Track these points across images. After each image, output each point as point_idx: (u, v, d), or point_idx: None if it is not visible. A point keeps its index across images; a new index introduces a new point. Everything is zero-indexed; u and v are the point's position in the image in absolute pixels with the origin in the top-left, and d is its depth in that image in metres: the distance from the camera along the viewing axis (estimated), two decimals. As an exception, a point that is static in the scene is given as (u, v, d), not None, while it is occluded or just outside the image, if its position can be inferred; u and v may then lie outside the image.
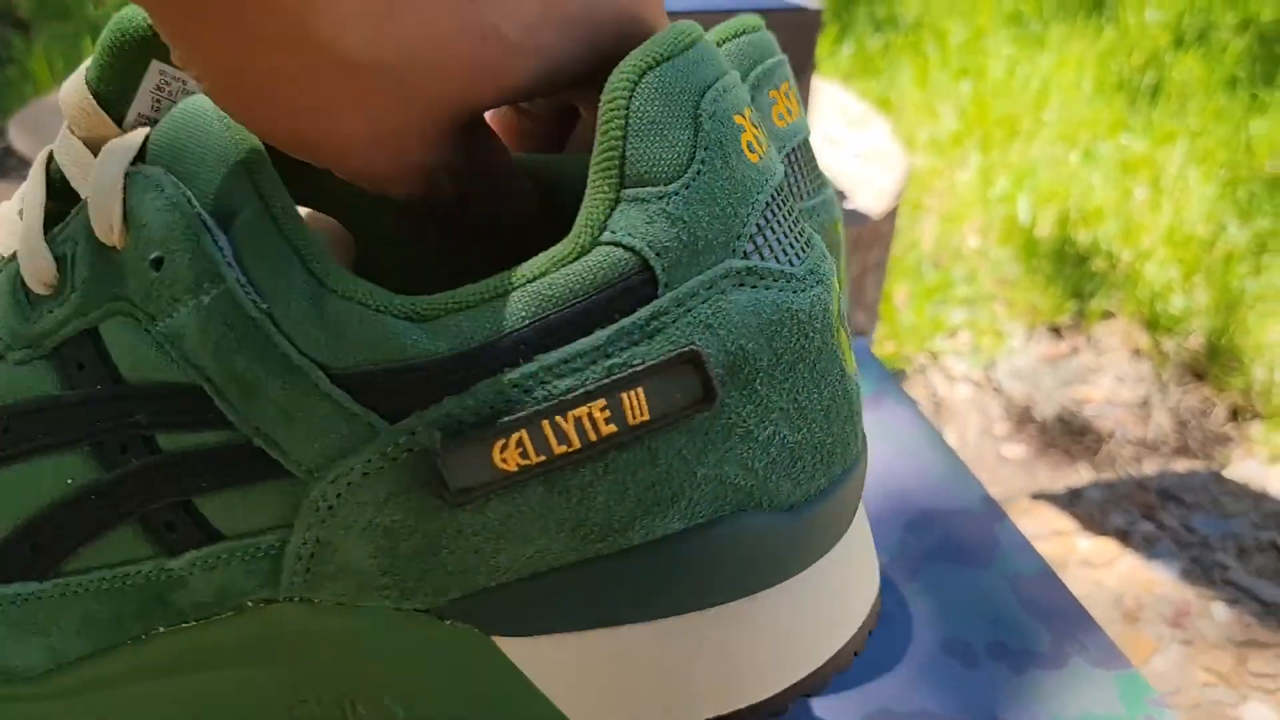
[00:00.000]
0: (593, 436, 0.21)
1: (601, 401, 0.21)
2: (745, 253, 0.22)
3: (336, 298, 0.22)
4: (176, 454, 0.23)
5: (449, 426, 0.21)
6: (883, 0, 2.14)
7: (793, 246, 0.23)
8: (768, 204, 0.22)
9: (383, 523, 0.22)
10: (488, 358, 0.21)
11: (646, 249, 0.21)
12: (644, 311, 0.21)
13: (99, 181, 0.24)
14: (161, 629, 0.24)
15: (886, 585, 0.31)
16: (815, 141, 0.94)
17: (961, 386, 1.23)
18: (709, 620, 0.23)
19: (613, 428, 0.21)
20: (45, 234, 0.25)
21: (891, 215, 0.89)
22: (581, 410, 0.21)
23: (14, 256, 0.26)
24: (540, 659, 0.23)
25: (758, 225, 0.22)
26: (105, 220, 0.24)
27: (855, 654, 0.25)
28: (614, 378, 0.21)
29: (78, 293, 0.24)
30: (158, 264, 0.23)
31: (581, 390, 0.21)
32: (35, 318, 0.25)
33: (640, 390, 0.21)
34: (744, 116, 0.23)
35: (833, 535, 0.24)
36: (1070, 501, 1.00)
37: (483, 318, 0.21)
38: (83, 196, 0.25)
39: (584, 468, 0.21)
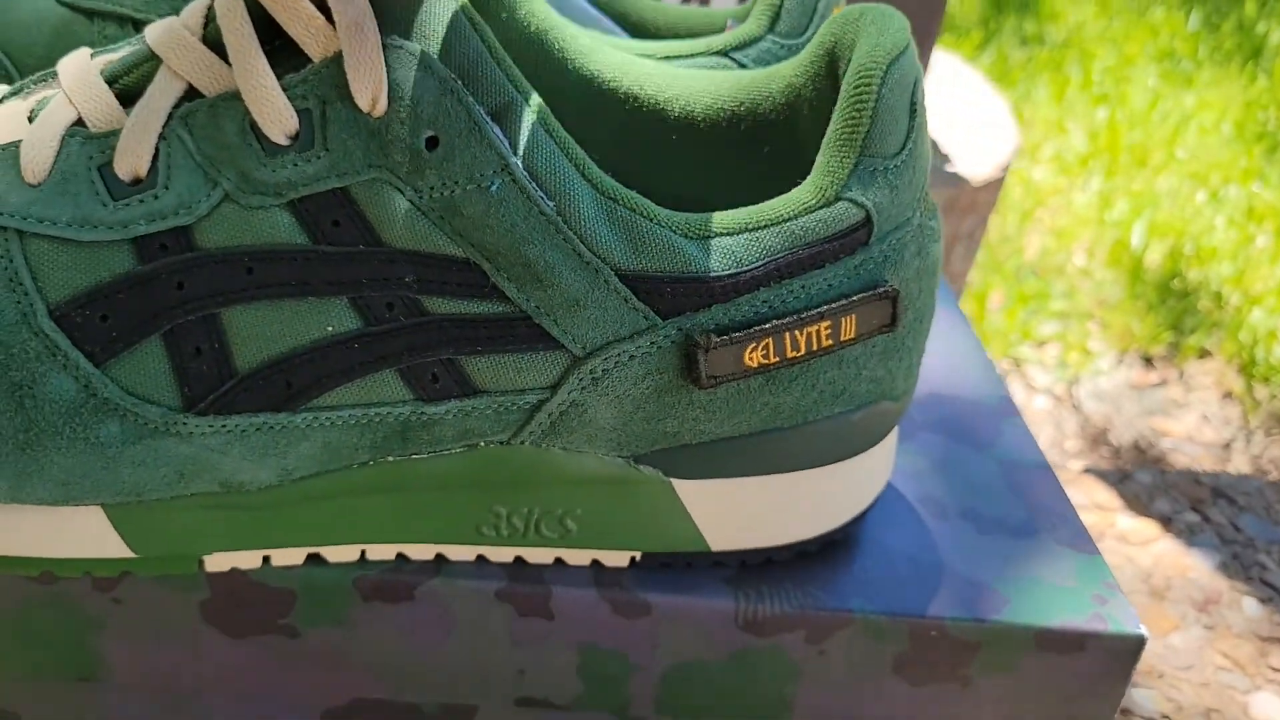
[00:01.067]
0: (814, 347, 0.28)
1: (828, 322, 0.27)
2: (919, 212, 0.29)
3: (620, 207, 0.26)
4: (449, 318, 0.26)
5: (713, 329, 0.27)
6: (1034, 16, 2.04)
7: (931, 206, 0.30)
8: (927, 174, 0.29)
9: (633, 394, 0.27)
10: (749, 277, 0.27)
11: (872, 207, 0.27)
12: (860, 255, 0.28)
13: (357, 48, 0.26)
14: (391, 459, 0.28)
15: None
16: (932, 110, 0.91)
17: (1040, 398, 1.22)
18: (826, 472, 0.31)
19: (829, 342, 0.28)
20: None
21: (993, 187, 0.85)
22: (813, 328, 0.27)
23: (233, 95, 0.27)
24: (700, 496, 0.30)
25: (925, 190, 0.29)
26: (368, 89, 0.26)
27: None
28: (838, 304, 0.27)
29: (332, 153, 0.26)
30: (432, 144, 0.26)
31: (815, 312, 0.27)
32: (275, 166, 0.26)
33: (854, 315, 0.28)
34: (925, 99, 0.29)
35: (901, 416, 0.32)
36: (1118, 480, 0.99)
37: (747, 244, 0.27)
38: (311, 54, 0.26)
39: (796, 367, 0.28)
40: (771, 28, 0.34)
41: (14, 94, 0.29)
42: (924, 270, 0.29)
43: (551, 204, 0.26)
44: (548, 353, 0.27)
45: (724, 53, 0.34)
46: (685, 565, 0.31)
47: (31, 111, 0.28)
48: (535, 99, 0.27)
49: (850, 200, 0.27)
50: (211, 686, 0.31)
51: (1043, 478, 0.37)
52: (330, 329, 0.26)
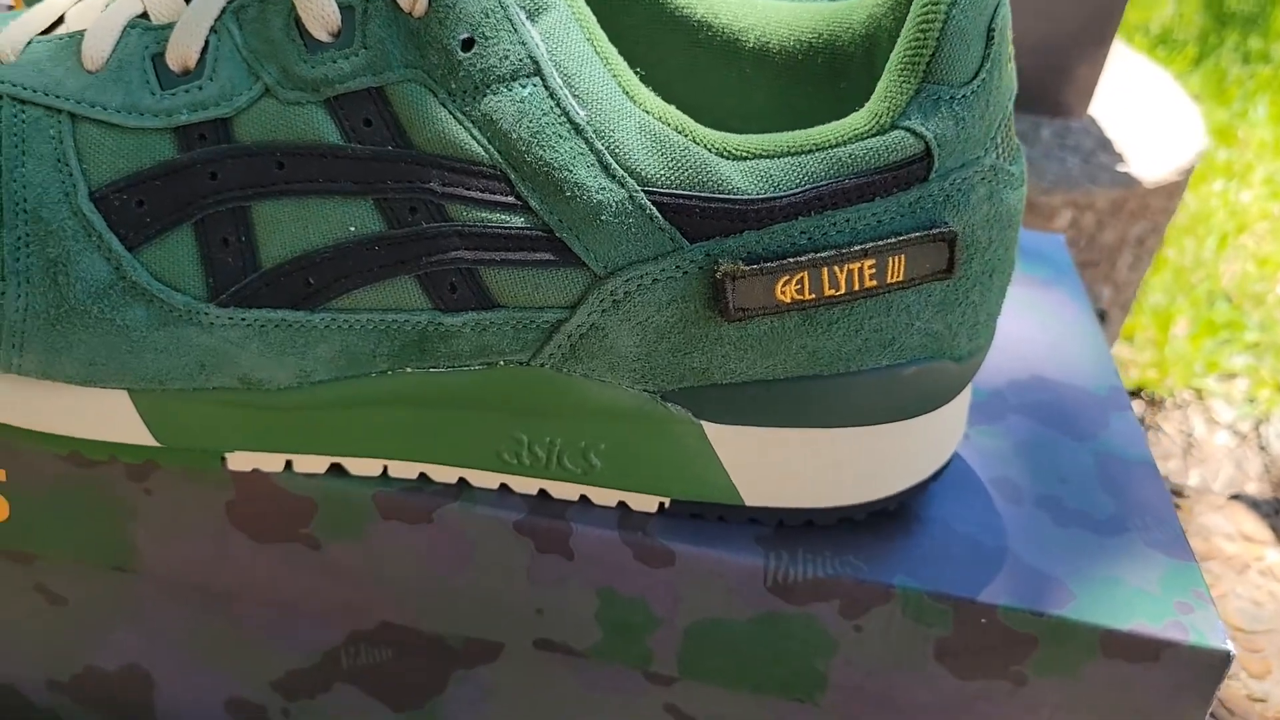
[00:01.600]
0: (856, 286, 0.25)
1: (872, 260, 0.25)
2: (992, 151, 0.26)
3: (653, 119, 0.25)
4: (472, 226, 0.25)
5: (743, 256, 0.25)
6: (1261, 33, 1.97)
7: (1014, 149, 0.27)
8: (1009, 111, 0.27)
9: (657, 321, 0.26)
10: (787, 204, 0.25)
11: (932, 140, 0.25)
12: (915, 191, 0.25)
13: (402, -56, 0.25)
14: (410, 370, 0.27)
15: (968, 423, 0.34)
16: (1108, 106, 0.86)
17: (1222, 434, 1.14)
18: (873, 433, 0.28)
19: (873, 282, 0.26)
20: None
21: (1169, 192, 0.78)
22: (855, 265, 0.25)
23: (282, -9, 0.26)
24: (733, 443, 0.28)
25: (1001, 128, 0.26)
26: (409, -13, 0.25)
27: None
28: (886, 241, 0.25)
29: (370, 51, 0.26)
30: (467, 45, 0.25)
31: (859, 247, 0.25)
32: (315, 63, 0.26)
33: (903, 256, 0.25)
34: (1010, 30, 0.26)
35: (967, 382, 0.30)
36: (1272, 512, 0.91)
37: (789, 168, 0.25)
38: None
39: (836, 307, 0.26)
40: (868, -38, 0.32)
41: (98, -10, 0.30)
42: (996, 218, 0.27)
43: (583, 112, 0.25)
44: (568, 270, 0.26)
45: (815, -14, 0.32)
46: (718, 518, 0.30)
47: (106, 4, 0.29)
48: (581, 6, 0.26)
49: (908, 129, 0.25)
50: (241, 592, 0.32)
51: (1144, 475, 0.34)
52: (353, 229, 0.26)
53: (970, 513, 0.31)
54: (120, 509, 0.30)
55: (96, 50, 0.27)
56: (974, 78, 0.25)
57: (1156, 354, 1.30)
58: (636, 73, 0.31)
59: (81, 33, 0.28)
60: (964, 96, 0.25)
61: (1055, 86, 0.79)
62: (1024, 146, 0.77)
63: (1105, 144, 0.79)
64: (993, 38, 0.25)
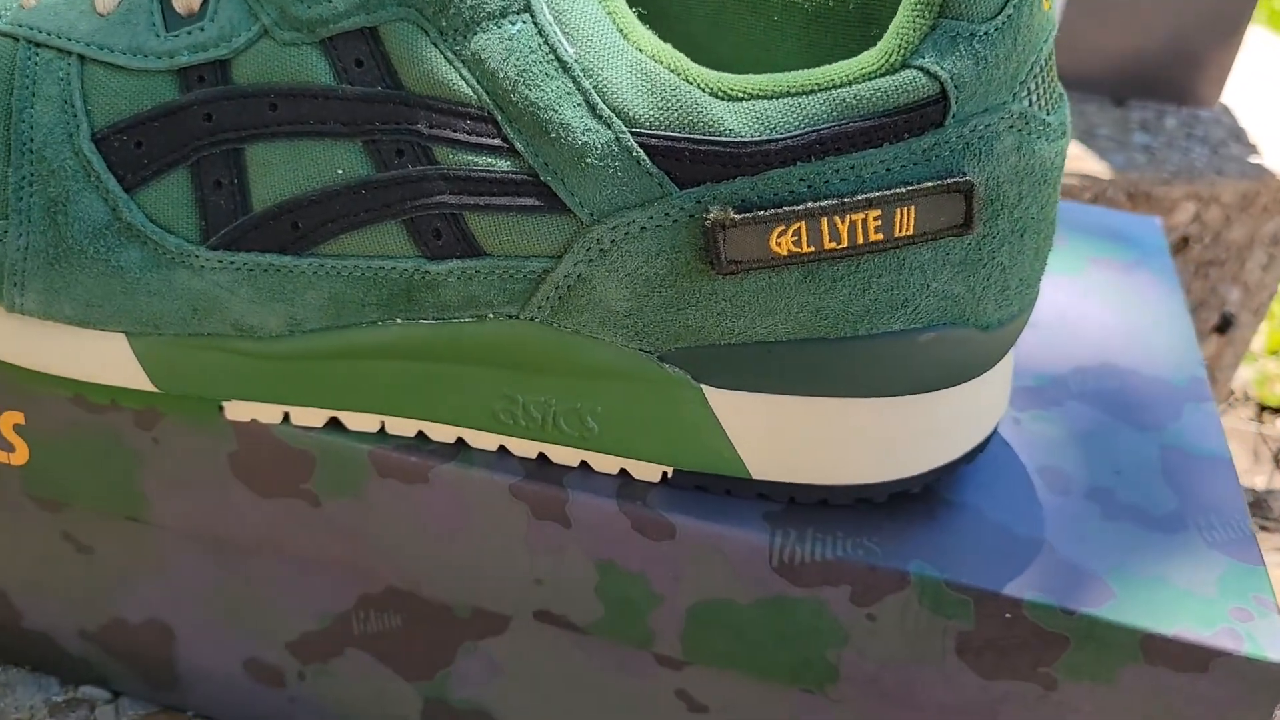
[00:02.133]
0: (860, 240, 0.23)
1: (878, 211, 0.23)
2: (1022, 97, 0.24)
3: (646, 58, 0.24)
4: (457, 170, 0.24)
5: (736, 204, 0.23)
6: None
7: (1052, 96, 0.25)
8: (1046, 54, 0.24)
9: (646, 273, 0.24)
10: (784, 148, 0.23)
11: (949, 80, 0.23)
12: (930, 137, 0.23)
13: (398, -122, 0.24)
14: (400, 321, 0.26)
15: (1017, 406, 0.32)
16: (1253, 96, 0.80)
17: None
18: (889, 406, 0.26)
19: (880, 236, 0.23)
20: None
21: None
22: (858, 216, 0.23)
23: (285, -70, 0.26)
24: (737, 409, 0.26)
25: (1034, 73, 0.24)
26: (403, -79, 0.24)
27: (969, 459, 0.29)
28: (893, 191, 0.23)
29: (363, -12, 0.25)
30: (459, -20, 0.24)
31: (863, 197, 0.23)
32: (311, 3, 0.25)
33: (912, 207, 0.23)
34: (1046, -35, 0.24)
35: (1000, 356, 0.27)
36: None
37: (787, 110, 0.23)
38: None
39: (840, 263, 0.24)
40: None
41: (126, -60, 0.30)
42: (1027, 171, 0.24)
43: (572, 50, 0.24)
44: (553, 216, 0.24)
45: (856, -68, 0.30)
46: (724, 492, 0.28)
47: (128, -48, 0.29)
48: None
49: (921, 69, 0.23)
50: (249, 546, 0.31)
51: (1216, 471, 0.31)
52: (340, 172, 0.25)
53: (1007, 500, 0.29)
54: (131, 457, 0.30)
55: (109, -6, 0.27)
56: (999, 13, 0.23)
57: (1292, 361, 1.22)
58: (636, 11, 0.29)
59: (97, -23, 0.28)
60: (986, 34, 0.23)
61: (1184, 74, 0.74)
62: (1148, 136, 0.72)
63: (1238, 134, 0.74)
64: (1021, -31, 0.23)
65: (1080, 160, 0.66)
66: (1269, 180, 0.67)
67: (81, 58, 0.27)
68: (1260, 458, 1.12)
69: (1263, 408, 1.20)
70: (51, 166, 0.26)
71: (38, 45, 0.27)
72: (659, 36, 0.30)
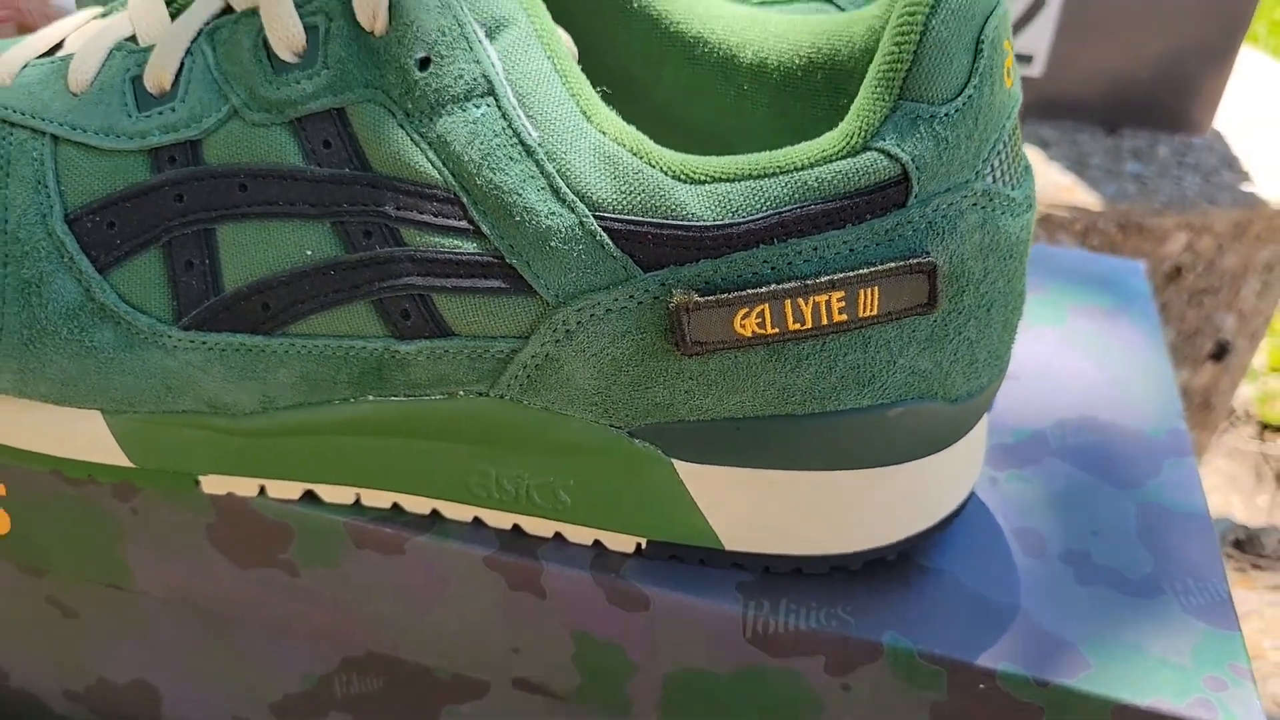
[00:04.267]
0: (824, 320, 0.24)
1: (841, 293, 0.23)
2: (985, 175, 0.24)
3: (609, 140, 0.24)
4: (424, 251, 0.25)
5: (700, 286, 0.23)
6: None
7: (1016, 170, 0.25)
8: (1009, 129, 0.24)
9: (612, 353, 0.24)
10: (746, 231, 0.23)
11: (910, 162, 0.23)
12: (892, 218, 0.23)
13: (365, -38, 0.25)
14: (371, 398, 0.27)
15: (995, 465, 0.32)
16: (1237, 116, 0.80)
17: None
18: (859, 478, 0.26)
19: (844, 316, 0.24)
20: (293, -2, 0.26)
21: None
22: (822, 297, 0.23)
23: (255, 11, 0.26)
24: (708, 483, 0.26)
25: (998, 150, 0.24)
26: (368, 6, 0.25)
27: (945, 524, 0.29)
28: (856, 273, 0.23)
29: (330, 71, 0.25)
30: (424, 64, 0.24)
31: (826, 278, 0.23)
32: (280, 84, 0.25)
33: (876, 288, 0.23)
34: (1009, 41, 0.24)
35: (971, 425, 0.27)
36: None
37: (748, 193, 0.23)
38: (333, -33, 0.25)
39: (806, 342, 0.24)
40: (885, -29, 0.30)
41: (104, 15, 0.31)
42: (992, 247, 0.24)
43: (536, 133, 0.24)
44: (520, 298, 0.24)
45: (827, -2, 0.30)
46: (698, 562, 0.28)
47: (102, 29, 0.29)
48: (545, 22, 0.25)
49: (882, 151, 0.23)
50: (233, 612, 0.31)
51: (1193, 530, 0.31)
52: (310, 253, 0.25)
53: (982, 566, 0.29)
54: (110, 528, 0.30)
55: (82, 73, 0.27)
56: (958, 95, 0.23)
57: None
58: (601, 91, 0.29)
59: (71, 56, 0.28)
60: (947, 115, 0.23)
61: (1175, 101, 0.74)
62: (1139, 165, 0.72)
63: (1230, 162, 0.73)
64: (982, 50, 0.23)
65: (1071, 192, 0.66)
66: (1261, 209, 0.67)
67: (55, 138, 0.27)
68: (1262, 477, 1.12)
69: (1264, 426, 1.20)
70: (25, 248, 0.26)
71: (12, 125, 0.27)
72: (628, 104, 0.30)
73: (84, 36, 0.29)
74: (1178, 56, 0.72)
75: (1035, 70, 0.73)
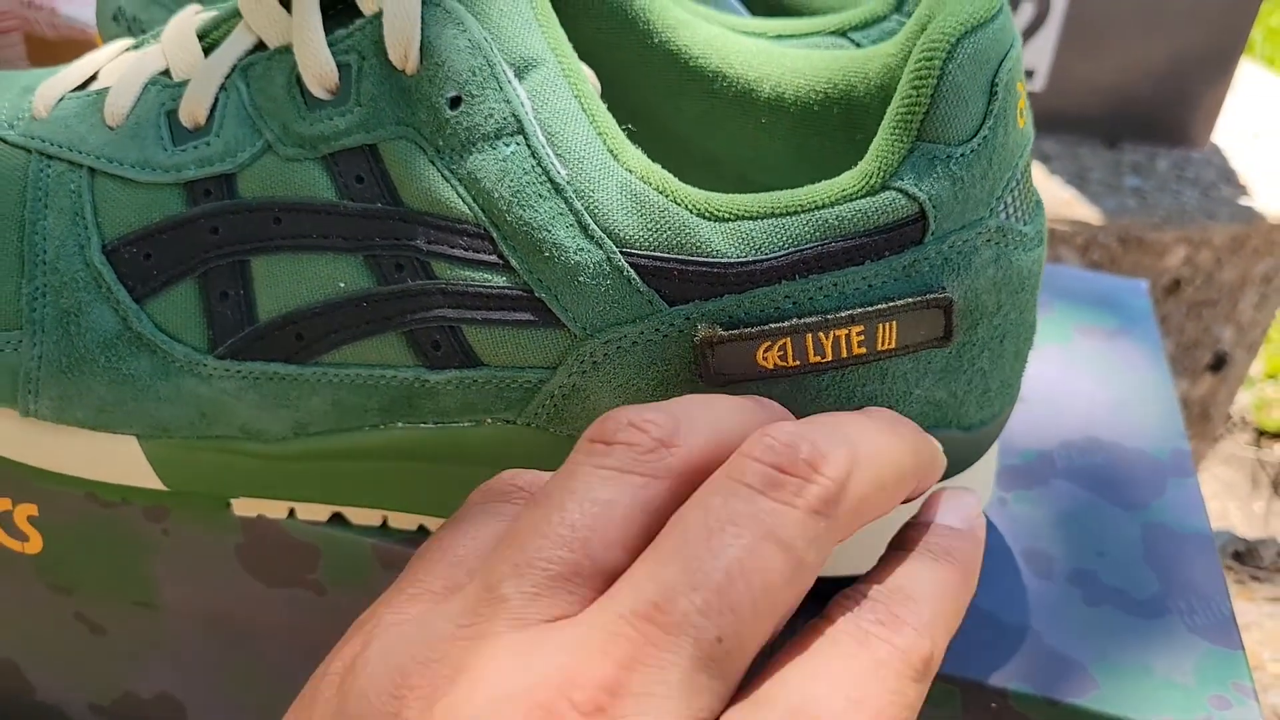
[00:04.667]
0: (844, 354, 0.24)
1: (860, 327, 0.24)
2: (998, 211, 0.25)
3: (635, 179, 0.24)
4: (455, 284, 0.25)
5: (723, 320, 0.24)
6: None
7: (1028, 205, 0.26)
8: (1022, 167, 0.25)
9: (637, 384, 0.25)
10: (769, 268, 0.24)
11: (927, 201, 0.24)
12: (910, 254, 0.24)
13: (396, 4, 0.25)
14: (401, 425, 0.27)
15: (1004, 486, 0.33)
16: (1237, 130, 0.82)
17: None
18: (876, 505, 0.27)
19: (863, 350, 0.24)
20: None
21: None
22: (842, 331, 0.24)
23: (288, 49, 0.27)
24: (728, 510, 0.27)
25: (1010, 187, 0.25)
26: (401, 45, 0.25)
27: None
28: (875, 308, 0.24)
29: (364, 109, 0.26)
30: (455, 103, 0.25)
31: (846, 313, 0.24)
32: (313, 120, 0.26)
33: (894, 323, 0.24)
34: (1022, 83, 0.25)
35: (983, 452, 0.28)
36: None
37: (771, 231, 0.24)
38: (363, 9, 0.26)
39: (825, 374, 0.25)
40: (899, 6, 0.31)
41: (134, 48, 0.31)
42: (1005, 281, 0.25)
43: (564, 171, 0.25)
44: (548, 330, 0.25)
45: (842, 32, 0.31)
46: (717, 583, 0.29)
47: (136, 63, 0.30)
48: (572, 63, 0.25)
49: (900, 190, 0.24)
50: (259, 631, 0.32)
51: (1196, 550, 0.31)
52: (342, 285, 0.26)
53: (992, 587, 0.29)
54: (140, 547, 0.31)
55: (118, 107, 0.28)
56: (973, 136, 0.24)
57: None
58: (626, 129, 0.30)
59: (107, 89, 0.29)
60: (962, 156, 0.24)
61: (1174, 115, 0.75)
62: (1139, 179, 0.73)
63: (1228, 175, 0.74)
64: (996, 93, 0.24)
65: (1072, 206, 0.67)
66: (1259, 223, 0.68)
67: (92, 170, 0.28)
68: (1258, 483, 1.13)
69: (1261, 433, 1.21)
70: (64, 278, 0.27)
71: (49, 158, 0.28)
72: (648, 136, 0.31)
73: (118, 70, 0.29)
74: (1177, 71, 0.73)
75: (1037, 84, 0.74)
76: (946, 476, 0.27)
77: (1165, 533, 0.32)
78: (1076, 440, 0.35)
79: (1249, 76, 0.96)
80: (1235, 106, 0.86)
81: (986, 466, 0.29)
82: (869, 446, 0.20)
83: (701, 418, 0.21)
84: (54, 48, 0.49)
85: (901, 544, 0.22)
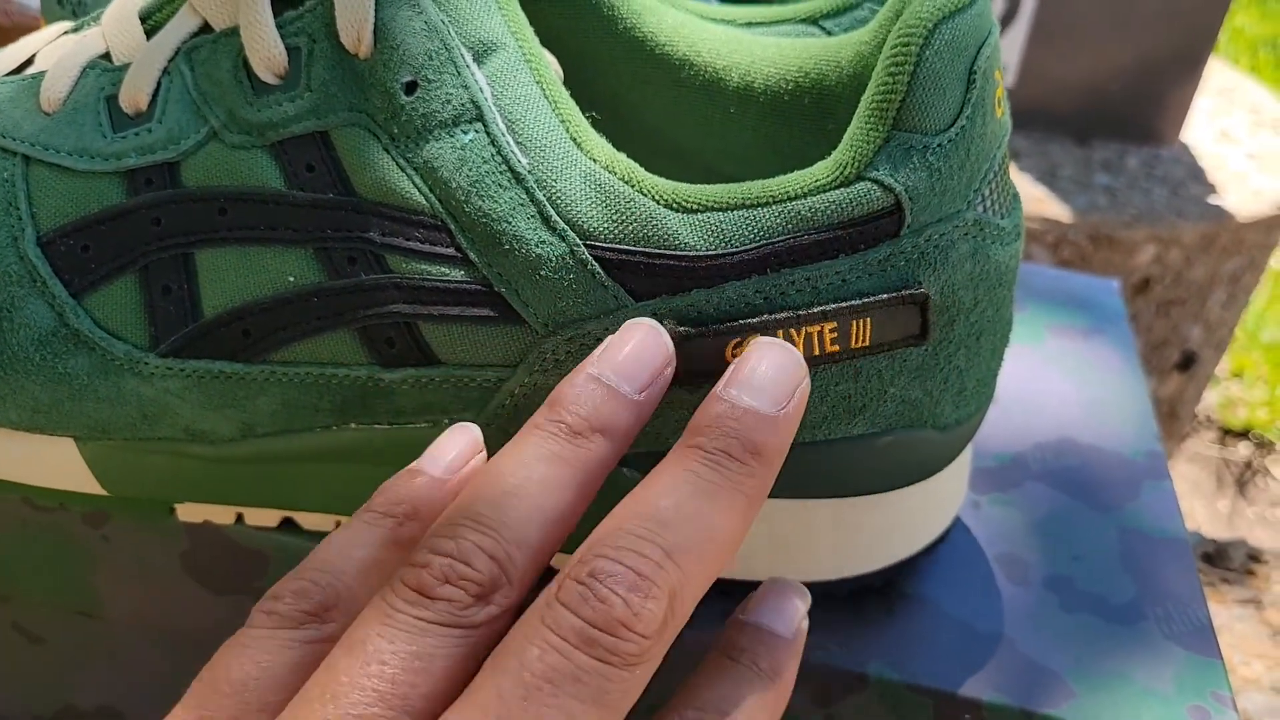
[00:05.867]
0: (816, 351, 0.23)
1: (833, 324, 0.23)
2: (976, 204, 0.24)
3: (600, 168, 0.23)
4: (410, 279, 0.24)
5: (692, 316, 0.23)
6: None
7: (1005, 199, 0.25)
8: (1000, 159, 0.24)
9: (602, 383, 0.24)
10: (739, 261, 0.23)
11: (903, 192, 0.23)
12: (884, 248, 0.23)
13: (349, -17, 0.24)
14: (354, 426, 0.26)
15: (978, 489, 0.32)
16: (1208, 134, 0.82)
17: None
18: (849, 505, 0.26)
19: (835, 348, 0.23)
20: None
21: (1266, 227, 0.73)
22: (814, 328, 0.23)
23: (235, 31, 0.26)
24: (696, 514, 0.26)
25: (988, 179, 0.24)
26: (353, 28, 0.24)
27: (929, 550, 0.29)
28: (848, 304, 0.23)
29: (314, 94, 0.24)
30: (410, 88, 0.24)
31: (819, 309, 0.23)
32: (260, 106, 0.25)
33: (868, 320, 0.23)
34: (999, 71, 0.24)
35: (958, 452, 0.27)
36: None
37: (741, 222, 0.23)
38: (314, -13, 0.25)
39: (797, 373, 0.24)
40: (871, -6, 0.30)
41: (74, 30, 0.30)
42: (982, 276, 0.24)
43: (525, 160, 0.23)
44: (508, 327, 0.24)
45: (813, 20, 0.30)
46: (685, 590, 0.28)
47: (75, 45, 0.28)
48: (534, 47, 0.24)
49: (875, 181, 0.23)
50: (206, 641, 0.31)
51: (1172, 555, 0.31)
52: (292, 279, 0.25)
53: (966, 593, 0.29)
54: (80, 555, 0.29)
55: (55, 91, 0.27)
56: (951, 125, 0.23)
57: (1269, 392, 1.23)
58: (590, 117, 0.29)
59: (43, 74, 0.27)
60: (939, 146, 0.23)
61: (1144, 112, 0.75)
62: (1109, 177, 0.73)
63: (1197, 174, 0.74)
64: (974, 81, 0.23)
65: (1043, 204, 0.66)
66: (1228, 221, 0.68)
67: (26, 158, 0.26)
68: (1223, 482, 1.13)
69: (1226, 431, 1.22)
70: (-5, 271, 0.26)
71: (-19, 144, 0.26)
72: (613, 126, 0.30)
73: (55, 53, 0.28)
74: (1147, 68, 0.73)
75: (1007, 80, 0.74)
76: (922, 479, 0.26)
77: (1140, 537, 0.31)
78: (1051, 442, 0.35)
79: (1216, 76, 0.96)
80: (1202, 105, 0.86)
81: (960, 467, 0.28)
82: (697, 553, 0.19)
83: (521, 529, 0.20)
84: (5, 36, 0.47)
85: (725, 649, 0.22)
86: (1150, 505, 0.32)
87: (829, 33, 0.30)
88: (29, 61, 0.29)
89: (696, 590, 0.20)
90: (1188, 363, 0.76)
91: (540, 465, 0.20)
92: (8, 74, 0.28)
